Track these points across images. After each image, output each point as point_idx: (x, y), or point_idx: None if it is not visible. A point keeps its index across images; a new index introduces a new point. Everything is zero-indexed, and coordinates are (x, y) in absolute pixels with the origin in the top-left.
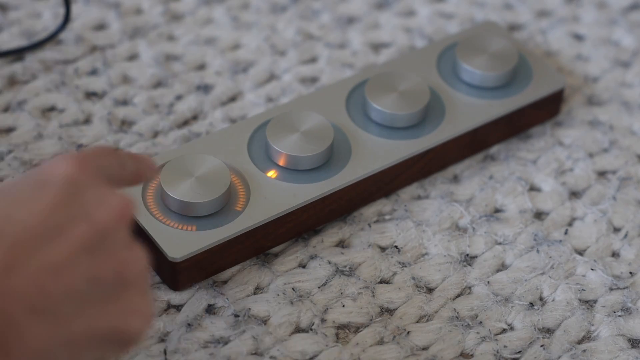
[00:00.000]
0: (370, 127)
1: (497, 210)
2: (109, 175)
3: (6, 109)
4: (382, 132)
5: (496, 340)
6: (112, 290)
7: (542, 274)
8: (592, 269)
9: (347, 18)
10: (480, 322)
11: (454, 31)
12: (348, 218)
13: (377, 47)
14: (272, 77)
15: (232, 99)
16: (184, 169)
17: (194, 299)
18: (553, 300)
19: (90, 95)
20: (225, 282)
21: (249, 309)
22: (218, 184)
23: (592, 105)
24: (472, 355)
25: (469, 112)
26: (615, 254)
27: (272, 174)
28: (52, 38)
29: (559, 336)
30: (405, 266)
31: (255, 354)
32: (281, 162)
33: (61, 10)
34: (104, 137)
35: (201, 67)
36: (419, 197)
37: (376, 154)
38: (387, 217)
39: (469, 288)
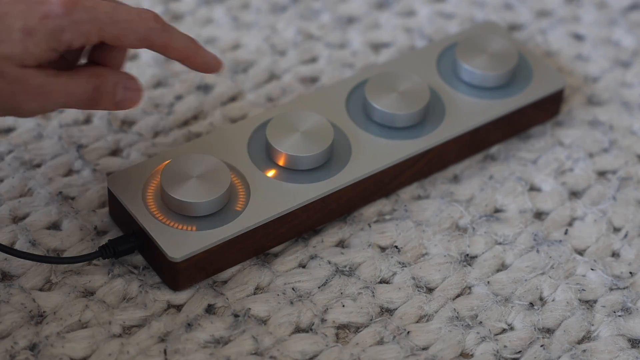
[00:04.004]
0: (370, 127)
1: (497, 210)
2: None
3: None
4: (382, 132)
5: (496, 340)
6: None
7: (542, 274)
8: (592, 269)
9: (347, 18)
10: (480, 322)
11: (454, 31)
12: (348, 218)
13: (377, 47)
14: (272, 77)
15: (232, 99)
16: (184, 169)
17: (194, 299)
18: (553, 300)
19: None
20: (225, 282)
21: (249, 309)
22: (218, 184)
23: (592, 105)
24: (472, 355)
25: (469, 112)
26: (615, 254)
27: (272, 174)
28: None
29: (559, 336)
30: (405, 266)
31: (255, 354)
32: (281, 162)
33: None
34: (104, 137)
35: None
36: (419, 197)
37: (376, 154)
38: (387, 217)
39: (469, 288)
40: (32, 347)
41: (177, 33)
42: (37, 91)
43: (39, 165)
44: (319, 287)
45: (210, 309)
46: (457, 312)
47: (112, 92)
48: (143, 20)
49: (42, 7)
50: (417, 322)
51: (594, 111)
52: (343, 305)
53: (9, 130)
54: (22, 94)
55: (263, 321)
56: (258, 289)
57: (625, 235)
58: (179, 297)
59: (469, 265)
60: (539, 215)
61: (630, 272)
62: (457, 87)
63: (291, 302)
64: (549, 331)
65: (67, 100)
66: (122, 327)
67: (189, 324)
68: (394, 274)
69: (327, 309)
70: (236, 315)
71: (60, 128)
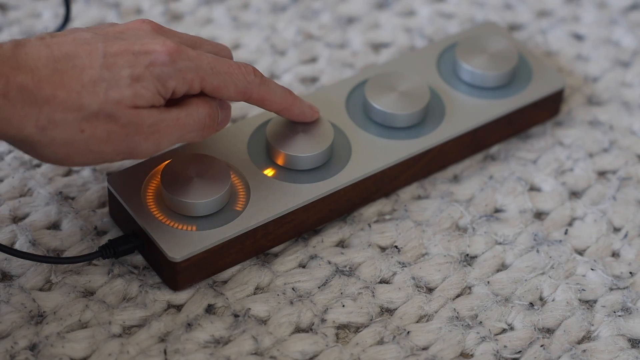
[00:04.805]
0: (370, 127)
1: (497, 210)
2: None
3: None
4: (382, 132)
5: (496, 340)
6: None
7: (542, 274)
8: (592, 269)
9: (347, 18)
10: (480, 322)
11: (454, 31)
12: (348, 218)
13: (377, 47)
14: (272, 77)
15: None
16: (184, 169)
17: (194, 299)
18: (553, 300)
19: None
20: (225, 282)
21: (249, 309)
22: (218, 184)
23: (592, 105)
24: (472, 355)
25: (469, 112)
26: (615, 254)
27: (272, 174)
28: None
29: (559, 336)
30: (405, 266)
31: (255, 354)
32: (281, 162)
33: (61, 10)
34: None
35: None
36: (419, 197)
37: (376, 154)
38: (387, 217)
39: (469, 288)
40: (32, 347)
41: (274, 86)
42: (151, 130)
43: (39, 165)
44: (319, 287)
45: (210, 309)
46: (457, 312)
47: (217, 116)
48: (243, 74)
49: (149, 57)
50: (417, 322)
51: (594, 111)
52: (343, 305)
53: None
54: (136, 134)
55: (263, 321)
56: (258, 289)
57: (625, 235)
58: (179, 297)
59: (469, 265)
60: (539, 215)
61: (630, 272)
62: (457, 87)
63: (291, 302)
64: (549, 331)
65: (181, 134)
66: (122, 327)
67: (189, 324)
68: (394, 274)
69: (327, 309)
70: (236, 315)
71: None
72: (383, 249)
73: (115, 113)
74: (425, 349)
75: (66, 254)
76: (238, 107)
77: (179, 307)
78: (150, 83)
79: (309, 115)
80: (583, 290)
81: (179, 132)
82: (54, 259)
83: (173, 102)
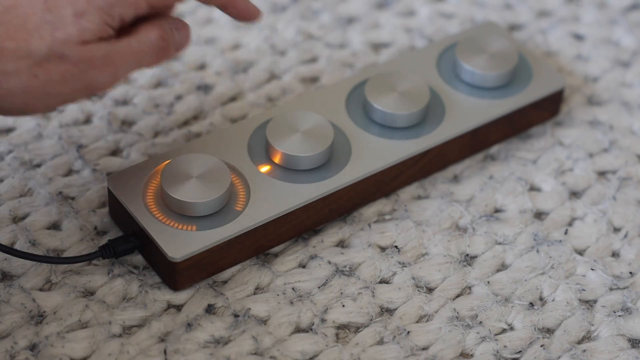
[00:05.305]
0: (370, 127)
1: (497, 210)
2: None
3: None
4: (382, 132)
5: (496, 340)
6: None
7: (542, 274)
8: (592, 269)
9: (347, 18)
10: (480, 322)
11: (454, 31)
12: (348, 218)
13: (377, 47)
14: (272, 77)
15: (232, 99)
16: (184, 169)
17: (194, 299)
18: (553, 300)
19: None
20: (225, 282)
21: (249, 309)
22: (218, 184)
23: (592, 105)
24: (472, 355)
25: (469, 112)
26: (615, 254)
27: (272, 173)
28: None
29: (559, 336)
30: (405, 266)
31: (255, 354)
32: (281, 162)
33: None
34: (104, 137)
35: (201, 67)
36: (419, 197)
37: (376, 154)
38: (387, 217)
39: (469, 288)
40: (32, 347)
41: None
42: (104, 62)
43: (39, 165)
44: (319, 287)
45: (210, 309)
46: (457, 312)
47: (172, 36)
48: None
49: None
50: (417, 322)
51: (594, 111)
52: (343, 305)
53: (9, 130)
54: (91, 69)
55: (263, 321)
56: (258, 289)
57: (625, 235)
58: (179, 297)
59: (469, 265)
60: (539, 215)
61: (630, 272)
62: (457, 87)
63: (291, 302)
64: (549, 331)
65: (136, 61)
66: (122, 327)
67: (189, 324)
68: (394, 274)
69: (327, 309)
70: (236, 315)
71: (60, 128)
72: (383, 249)
73: (65, 52)
74: (425, 349)
75: (66, 254)
76: (238, 107)
77: (179, 307)
78: (94, 16)
79: (252, 12)
80: (583, 290)
81: (134, 60)
82: (54, 259)
83: (125, 31)
